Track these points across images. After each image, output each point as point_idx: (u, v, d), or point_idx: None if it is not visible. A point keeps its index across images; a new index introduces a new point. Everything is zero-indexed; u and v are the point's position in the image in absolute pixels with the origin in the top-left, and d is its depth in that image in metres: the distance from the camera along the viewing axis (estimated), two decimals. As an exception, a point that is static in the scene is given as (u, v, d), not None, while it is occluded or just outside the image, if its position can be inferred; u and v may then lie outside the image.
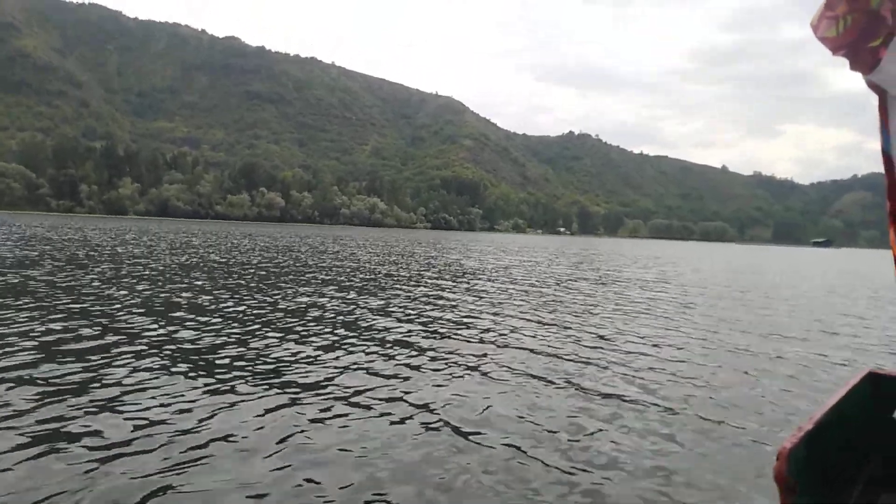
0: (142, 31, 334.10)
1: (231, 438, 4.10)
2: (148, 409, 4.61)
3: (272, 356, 6.54)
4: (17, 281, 11.92)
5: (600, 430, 4.66)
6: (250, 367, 6.01)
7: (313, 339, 7.63)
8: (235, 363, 6.15)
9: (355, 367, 6.27)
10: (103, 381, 5.23)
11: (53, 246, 23.31)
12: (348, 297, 12.09)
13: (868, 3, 1.62)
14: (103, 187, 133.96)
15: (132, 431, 4.12)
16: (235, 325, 8.35)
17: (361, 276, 17.24)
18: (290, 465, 3.72)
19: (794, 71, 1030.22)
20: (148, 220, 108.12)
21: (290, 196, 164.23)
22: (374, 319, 9.43)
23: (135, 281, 12.96)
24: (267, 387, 5.34)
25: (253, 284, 13.58)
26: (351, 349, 7.11)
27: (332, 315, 9.65)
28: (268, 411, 4.69)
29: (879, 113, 1.78)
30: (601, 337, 8.76)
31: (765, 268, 35.74)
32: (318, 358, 6.57)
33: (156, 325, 7.97)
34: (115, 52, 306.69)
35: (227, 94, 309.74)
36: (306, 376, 5.78)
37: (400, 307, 10.98)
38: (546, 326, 9.52)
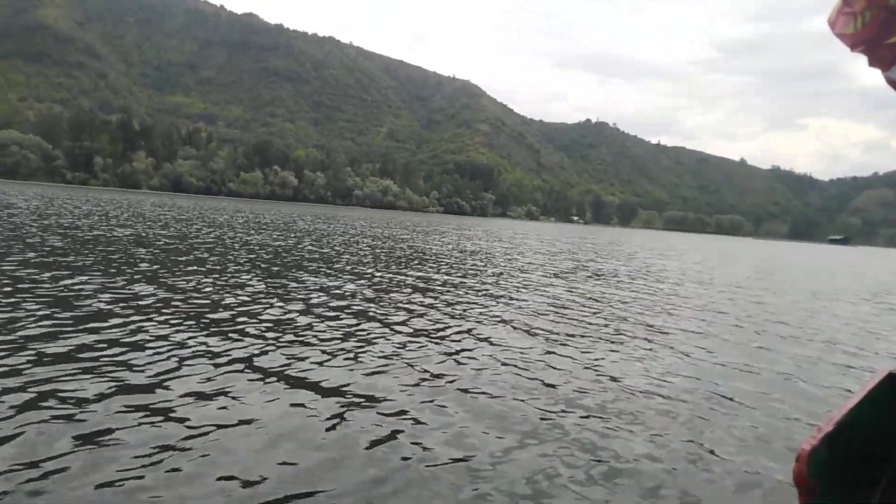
0: (161, 4, 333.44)
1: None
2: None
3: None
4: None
5: (592, 419, 4.39)
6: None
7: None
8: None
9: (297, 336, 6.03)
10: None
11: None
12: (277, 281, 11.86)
13: (887, 0, 1.59)
14: (118, 160, 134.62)
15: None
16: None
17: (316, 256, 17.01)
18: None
19: (818, 64, 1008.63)
20: (161, 194, 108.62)
21: (304, 175, 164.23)
22: (278, 306, 9.18)
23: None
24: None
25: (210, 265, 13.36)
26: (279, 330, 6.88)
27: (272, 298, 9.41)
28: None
29: None
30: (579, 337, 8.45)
31: (778, 263, 35.07)
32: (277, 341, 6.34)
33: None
34: (135, 26, 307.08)
35: (244, 70, 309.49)
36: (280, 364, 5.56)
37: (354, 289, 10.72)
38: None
